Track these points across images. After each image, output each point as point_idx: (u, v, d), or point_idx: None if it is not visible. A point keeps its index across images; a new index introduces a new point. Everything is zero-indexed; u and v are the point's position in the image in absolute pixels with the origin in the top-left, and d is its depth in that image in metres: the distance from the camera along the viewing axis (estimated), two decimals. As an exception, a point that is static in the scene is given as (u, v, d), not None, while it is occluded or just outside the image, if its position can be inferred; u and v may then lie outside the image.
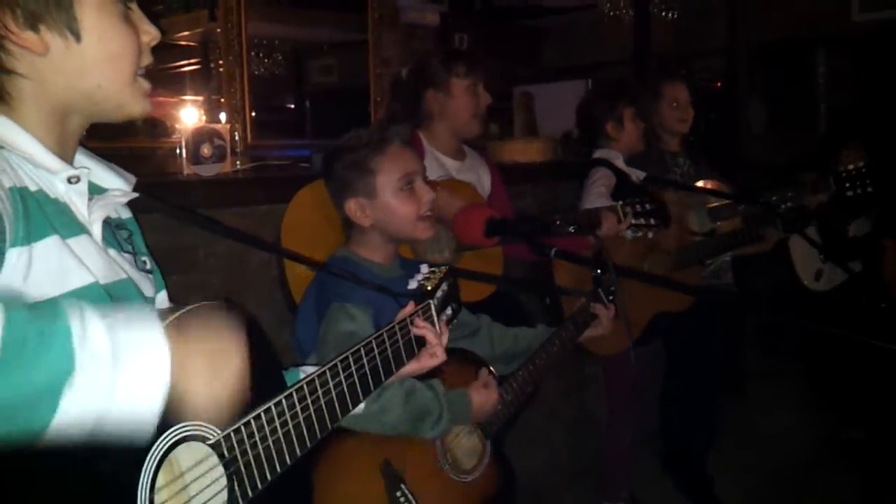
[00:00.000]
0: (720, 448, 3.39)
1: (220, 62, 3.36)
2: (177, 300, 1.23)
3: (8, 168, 0.96)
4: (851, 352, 3.56)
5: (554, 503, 3.20)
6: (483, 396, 1.78)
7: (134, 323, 0.81)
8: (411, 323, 1.45)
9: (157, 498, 0.89)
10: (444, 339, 1.52)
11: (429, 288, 1.53)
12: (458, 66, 2.51)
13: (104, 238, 1.09)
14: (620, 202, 2.51)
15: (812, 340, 3.80)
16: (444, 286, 1.57)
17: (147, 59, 1.11)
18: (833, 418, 3.73)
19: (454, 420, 1.72)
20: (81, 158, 1.13)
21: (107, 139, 1.18)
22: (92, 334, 0.75)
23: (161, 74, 1.14)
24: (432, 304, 1.52)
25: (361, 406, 1.31)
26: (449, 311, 1.58)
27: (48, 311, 0.74)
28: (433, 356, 1.50)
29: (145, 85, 1.11)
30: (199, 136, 2.34)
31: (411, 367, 1.48)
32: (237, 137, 3.19)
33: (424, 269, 1.61)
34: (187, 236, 2.12)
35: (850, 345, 3.47)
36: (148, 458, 0.88)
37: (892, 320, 3.11)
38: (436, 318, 1.52)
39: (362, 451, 1.62)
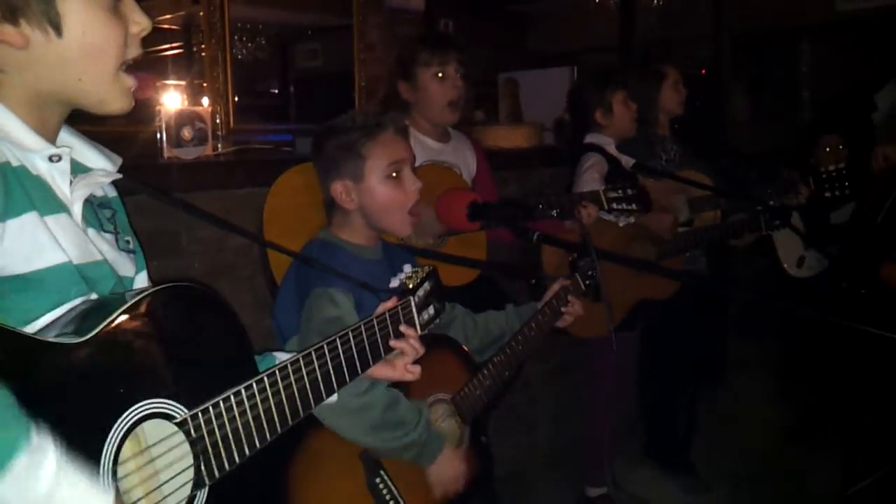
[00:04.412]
0: (702, 433, 3.42)
1: (203, 46, 3.34)
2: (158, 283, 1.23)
3: None
4: (833, 337, 3.59)
5: (536, 488, 3.21)
6: (451, 460, 1.78)
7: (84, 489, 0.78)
8: (396, 334, 1.45)
9: (121, 470, 0.90)
10: (419, 346, 1.49)
11: (410, 286, 1.52)
12: (421, 53, 2.44)
13: (85, 218, 1.08)
14: (602, 188, 2.52)
15: (793, 327, 3.83)
16: (426, 285, 1.56)
17: (134, 52, 1.07)
18: (813, 403, 3.77)
19: (422, 452, 1.71)
20: (66, 137, 1.11)
21: (86, 122, 1.16)
22: (40, 473, 0.73)
23: (143, 58, 1.11)
24: (412, 301, 1.51)
25: (335, 398, 1.30)
26: (431, 310, 1.57)
27: (13, 424, 0.72)
28: (409, 372, 1.48)
29: (128, 82, 1.07)
30: (181, 120, 2.33)
31: (386, 372, 1.47)
32: (219, 121, 3.16)
33: (408, 268, 1.61)
34: (169, 221, 2.11)
35: (832, 330, 3.50)
36: (113, 430, 0.89)
37: (873, 305, 3.14)
38: (416, 316, 1.51)
39: (342, 438, 1.62)
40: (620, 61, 4.77)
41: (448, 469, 1.78)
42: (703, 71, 5.24)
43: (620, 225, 2.69)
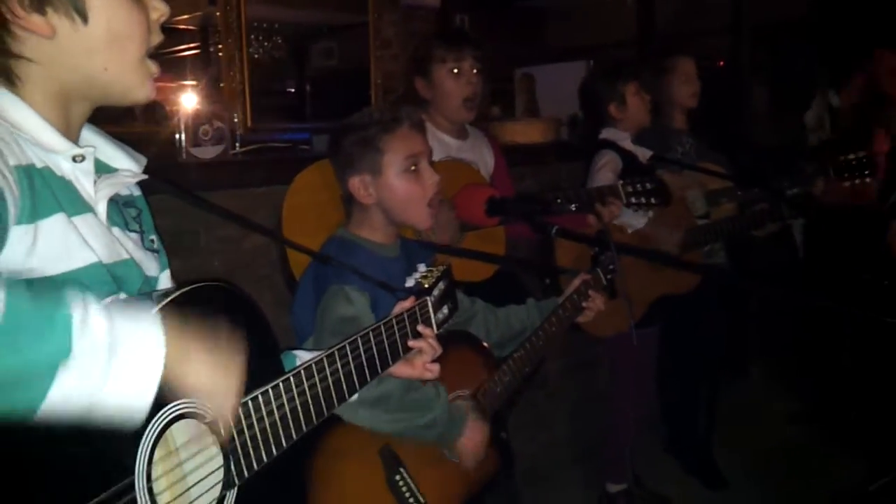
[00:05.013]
0: (722, 427, 3.40)
1: (220, 46, 3.35)
2: (180, 283, 1.23)
3: (14, 146, 0.95)
4: (854, 330, 3.56)
5: (557, 485, 3.21)
6: (477, 429, 1.79)
7: (133, 315, 0.84)
8: (414, 334, 1.45)
9: (154, 471, 0.89)
10: (436, 345, 1.50)
11: (426, 286, 1.52)
12: (436, 50, 2.43)
13: (110, 217, 1.08)
14: (621, 181, 2.50)
15: (814, 320, 3.80)
16: (441, 285, 1.56)
17: (157, 38, 1.08)
18: (835, 398, 3.73)
19: (446, 431, 1.71)
20: (89, 136, 1.12)
21: (104, 123, 1.16)
22: (92, 323, 0.77)
23: (160, 59, 1.11)
24: (429, 301, 1.51)
25: (355, 395, 1.30)
26: (445, 310, 1.57)
27: (52, 297, 0.77)
28: (429, 370, 1.49)
29: (153, 68, 1.08)
30: (199, 119, 2.34)
31: (405, 371, 1.47)
32: (237, 120, 3.18)
33: (422, 267, 1.60)
34: (189, 220, 2.12)
35: (853, 323, 3.47)
36: (146, 431, 0.88)
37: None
38: (432, 316, 1.51)
39: (362, 435, 1.61)
40: (639, 55, 4.72)
41: (474, 438, 1.78)
42: (721, 63, 5.20)
43: (629, 232, 2.68)
